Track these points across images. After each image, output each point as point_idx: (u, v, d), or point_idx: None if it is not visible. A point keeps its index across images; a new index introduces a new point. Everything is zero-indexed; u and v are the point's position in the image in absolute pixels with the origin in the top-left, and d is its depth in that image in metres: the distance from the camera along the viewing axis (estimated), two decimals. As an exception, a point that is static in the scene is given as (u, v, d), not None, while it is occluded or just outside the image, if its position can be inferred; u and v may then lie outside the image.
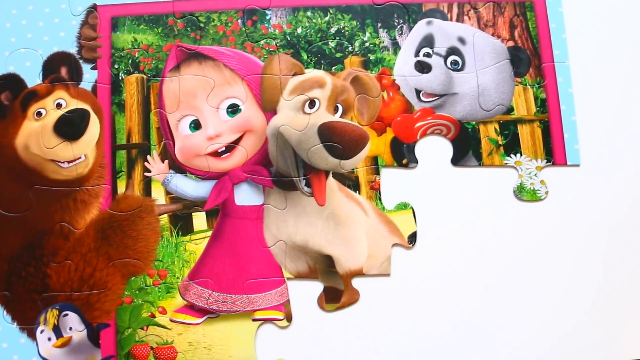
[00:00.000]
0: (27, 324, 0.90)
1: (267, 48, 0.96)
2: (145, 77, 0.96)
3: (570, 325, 0.91)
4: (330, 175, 0.93)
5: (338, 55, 0.97)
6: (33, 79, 0.95)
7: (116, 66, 0.96)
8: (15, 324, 0.91)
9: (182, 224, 0.93)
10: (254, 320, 0.90)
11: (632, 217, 0.94)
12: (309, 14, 0.98)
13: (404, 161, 0.94)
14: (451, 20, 0.98)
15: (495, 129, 0.95)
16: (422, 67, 0.96)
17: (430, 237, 0.92)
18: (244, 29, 0.97)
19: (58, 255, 0.91)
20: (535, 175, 0.94)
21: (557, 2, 0.98)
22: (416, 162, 0.94)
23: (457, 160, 0.94)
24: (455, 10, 0.98)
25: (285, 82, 0.92)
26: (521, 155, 0.94)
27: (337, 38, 0.97)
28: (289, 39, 0.97)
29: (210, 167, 0.93)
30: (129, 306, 0.91)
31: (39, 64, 0.95)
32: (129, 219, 0.92)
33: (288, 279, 0.92)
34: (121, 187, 0.93)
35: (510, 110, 0.96)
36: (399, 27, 0.98)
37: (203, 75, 0.94)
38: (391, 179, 0.94)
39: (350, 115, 0.93)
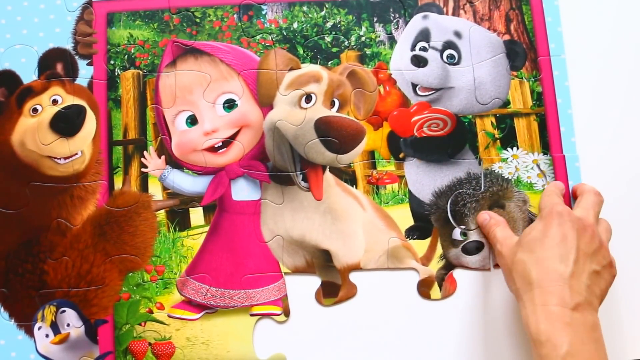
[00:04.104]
0: (25, 321, 0.90)
1: (263, 43, 0.96)
2: (141, 72, 0.95)
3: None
4: (327, 169, 0.93)
5: (334, 49, 0.97)
6: (29, 75, 0.94)
7: (112, 62, 0.96)
8: (13, 320, 0.90)
9: (179, 219, 0.93)
10: (252, 315, 0.90)
11: (629, 209, 0.94)
12: (304, 8, 0.98)
13: (401, 155, 0.94)
14: (447, 14, 0.98)
15: (491, 122, 0.95)
16: (419, 61, 0.96)
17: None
18: (239, 24, 0.97)
19: (55, 251, 0.91)
20: (532, 168, 0.94)
21: (553, -5, 0.98)
22: (413, 156, 0.94)
23: (454, 154, 0.94)
24: (451, 4, 0.98)
25: (282, 77, 0.92)
26: (518, 148, 0.94)
27: (333, 33, 0.97)
28: (285, 33, 0.97)
29: (207, 163, 0.93)
30: (126, 302, 0.91)
31: (34, 60, 0.95)
32: (126, 214, 0.92)
33: (285, 273, 0.92)
34: (118, 183, 0.93)
35: (506, 103, 0.96)
36: (394, 21, 0.98)
37: (199, 71, 0.94)
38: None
39: (346, 109, 0.93)
